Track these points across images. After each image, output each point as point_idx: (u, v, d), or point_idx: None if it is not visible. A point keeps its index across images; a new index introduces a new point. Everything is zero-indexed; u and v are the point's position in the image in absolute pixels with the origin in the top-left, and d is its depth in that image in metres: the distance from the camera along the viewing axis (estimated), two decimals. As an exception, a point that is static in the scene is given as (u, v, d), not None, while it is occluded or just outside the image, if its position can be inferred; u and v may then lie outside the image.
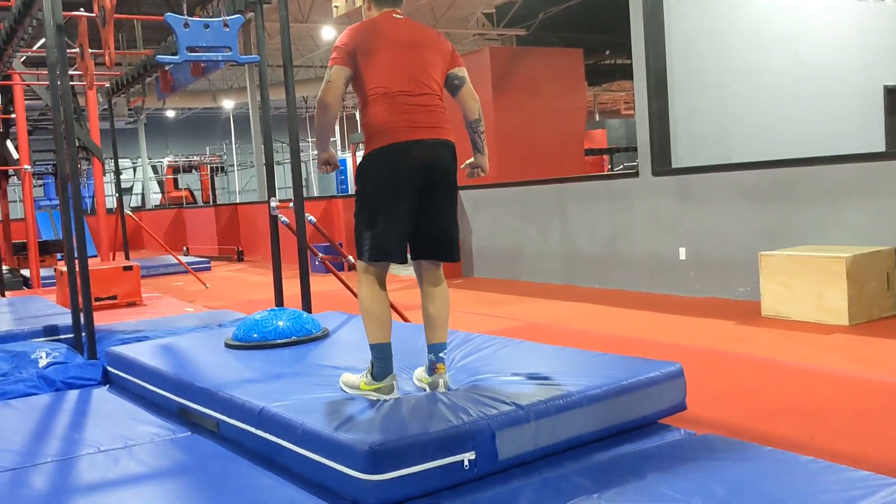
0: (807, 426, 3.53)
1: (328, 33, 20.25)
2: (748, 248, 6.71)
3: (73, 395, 4.18)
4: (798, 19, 8.81)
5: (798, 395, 4.09)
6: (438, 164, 3.17)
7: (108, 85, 9.38)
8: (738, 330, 5.79)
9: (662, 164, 7.67)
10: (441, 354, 3.17)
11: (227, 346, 4.28)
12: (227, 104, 27.17)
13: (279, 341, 4.22)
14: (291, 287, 5.88)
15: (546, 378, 3.12)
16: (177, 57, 4.87)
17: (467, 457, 2.55)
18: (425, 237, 3.19)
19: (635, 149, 8.35)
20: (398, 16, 3.25)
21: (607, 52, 23.62)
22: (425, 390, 3.12)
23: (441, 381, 3.10)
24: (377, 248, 3.08)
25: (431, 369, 3.16)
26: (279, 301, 5.68)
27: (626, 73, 24.20)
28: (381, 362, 3.09)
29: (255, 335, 4.28)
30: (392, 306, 6.07)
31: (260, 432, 2.93)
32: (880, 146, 9.06)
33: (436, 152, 3.17)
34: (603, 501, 2.34)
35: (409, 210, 3.11)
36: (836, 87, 8.90)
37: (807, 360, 4.75)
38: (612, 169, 20.94)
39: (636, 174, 7.97)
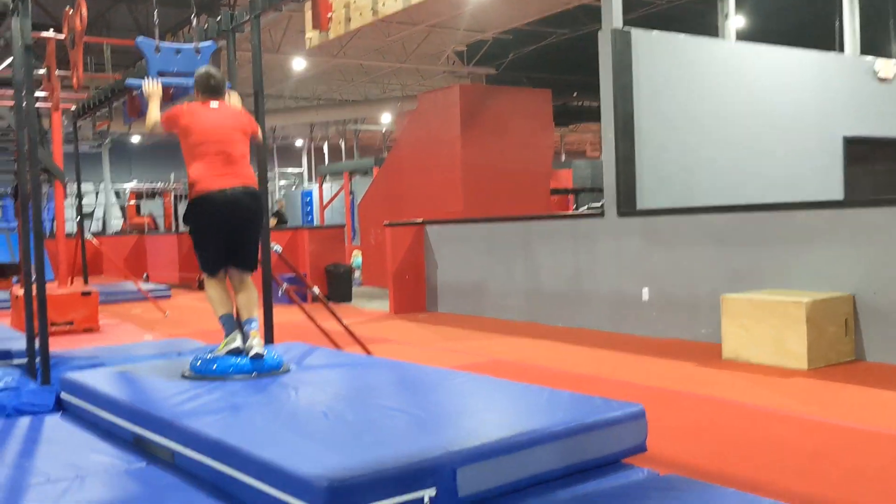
0: (766, 467, 3.54)
1: (299, 64, 20.30)
2: (711, 290, 6.78)
3: (24, 421, 4.06)
4: (759, 69, 9.02)
5: (758, 436, 4.11)
6: (240, 208, 4.45)
7: (73, 108, 9.28)
8: (699, 371, 5.82)
9: (628, 205, 7.76)
10: (253, 325, 4.48)
11: (185, 376, 4.20)
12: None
13: (239, 373, 4.16)
14: (254, 317, 5.80)
15: (508, 415, 3.11)
16: (146, 81, 4.85)
17: (428, 493, 2.51)
18: (235, 257, 4.57)
19: (600, 189, 8.45)
20: (214, 104, 4.56)
21: (575, 94, 23.96)
22: (247, 354, 4.30)
23: (255, 343, 4.36)
24: (209, 267, 4.56)
25: (246, 338, 4.40)
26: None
27: (594, 114, 24.52)
28: (228, 326, 4.49)
29: (215, 366, 4.22)
30: (356, 339, 6.05)
31: (216, 464, 2.87)
32: (839, 195, 9.26)
33: (236, 198, 4.41)
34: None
35: (223, 243, 4.49)
36: (797, 137, 9.10)
37: (766, 403, 4.79)
38: (577, 208, 21.14)
39: (602, 214, 8.05)
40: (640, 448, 3.15)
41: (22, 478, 3.07)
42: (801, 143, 9.12)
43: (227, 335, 4.42)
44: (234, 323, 4.47)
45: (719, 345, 6.26)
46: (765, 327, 5.84)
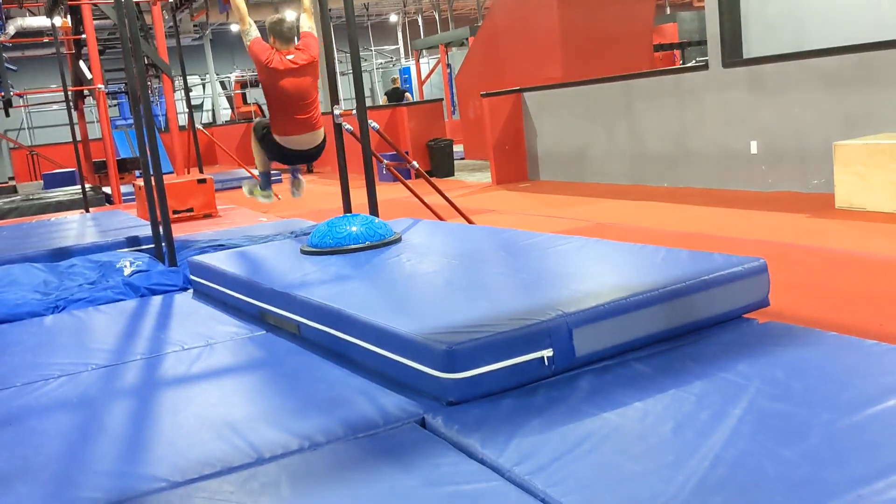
0: (876, 314, 3.50)
1: (387, -63, 19.79)
2: (824, 139, 6.50)
3: (156, 300, 4.40)
4: None
5: (869, 284, 4.04)
6: (304, 151, 5.24)
7: (171, 0, 9.45)
8: (810, 223, 5.68)
9: (733, 54, 7.41)
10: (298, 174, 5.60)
11: (304, 252, 4.34)
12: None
13: (354, 246, 4.25)
14: (360, 196, 5.96)
15: (623, 275, 3.10)
16: None
17: (545, 354, 2.54)
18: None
19: (707, 42, 8.07)
20: (291, 56, 4.96)
21: (678, -59, 22.48)
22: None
23: (301, 188, 5.60)
24: (263, 160, 5.39)
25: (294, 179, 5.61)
26: (347, 208, 5.78)
27: (698, -38, 22.98)
28: (265, 179, 5.47)
29: (330, 241, 4.30)
30: (458, 210, 6.16)
31: (339, 333, 3.00)
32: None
33: (302, 146, 5.16)
34: (662, 387, 2.41)
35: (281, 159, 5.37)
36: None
37: (880, 251, 4.66)
38: (684, 64, 20.23)
39: (706, 67, 7.74)
40: (763, 303, 3.08)
41: (159, 347, 3.38)
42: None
43: (262, 186, 5.49)
44: (268, 178, 5.47)
45: (832, 195, 6.06)
46: (881, 173, 5.59)
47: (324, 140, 5.19)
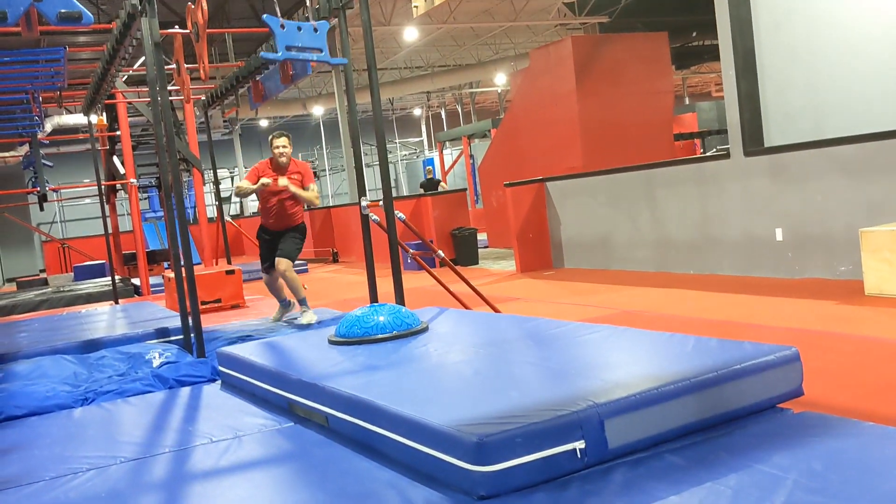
0: (915, 404, 3.42)
1: (410, 34, 20.48)
2: (848, 226, 6.49)
3: (185, 391, 4.41)
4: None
5: (904, 372, 3.96)
6: None
7: (203, 98, 9.78)
8: (842, 310, 5.62)
9: (754, 143, 7.50)
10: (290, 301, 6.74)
11: (331, 342, 4.35)
12: (317, 111, 27.75)
13: (381, 336, 4.26)
14: (385, 285, 6.02)
15: (654, 365, 3.08)
16: (279, 54, 5.00)
17: (577, 446, 2.51)
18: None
19: (727, 131, 8.19)
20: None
21: (694, 34, 23.02)
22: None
23: (308, 317, 6.40)
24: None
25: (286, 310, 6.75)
26: (373, 297, 5.82)
27: (716, 53, 23.40)
28: (306, 304, 6.51)
29: (358, 330, 4.31)
30: (484, 298, 6.17)
31: (368, 425, 2.98)
32: None
33: None
34: (697, 479, 2.36)
35: None
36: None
37: (914, 338, 4.59)
38: (704, 152, 20.43)
39: (727, 156, 7.82)
40: (797, 392, 3.03)
41: (188, 440, 3.38)
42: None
43: (307, 309, 6.46)
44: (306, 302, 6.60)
45: (860, 281, 6.01)
46: (910, 259, 5.56)
47: None
